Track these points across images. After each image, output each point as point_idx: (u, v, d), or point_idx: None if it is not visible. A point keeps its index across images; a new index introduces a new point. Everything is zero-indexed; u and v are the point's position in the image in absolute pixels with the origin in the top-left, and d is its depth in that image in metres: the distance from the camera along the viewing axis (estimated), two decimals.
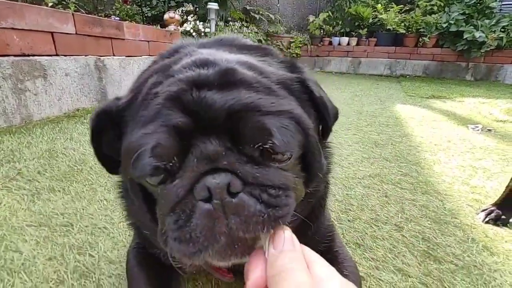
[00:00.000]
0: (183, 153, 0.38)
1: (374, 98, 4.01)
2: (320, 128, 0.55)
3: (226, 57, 0.47)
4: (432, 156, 1.88)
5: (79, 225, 0.97)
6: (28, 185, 1.23)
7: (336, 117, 0.59)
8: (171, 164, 0.37)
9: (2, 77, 1.72)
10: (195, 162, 0.37)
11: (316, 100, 0.51)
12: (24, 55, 1.86)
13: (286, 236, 0.37)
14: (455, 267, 0.88)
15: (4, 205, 1.07)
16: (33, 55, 1.91)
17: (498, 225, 1.11)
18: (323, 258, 0.35)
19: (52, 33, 2.02)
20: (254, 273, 0.36)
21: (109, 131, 0.51)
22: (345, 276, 0.61)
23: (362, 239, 1.00)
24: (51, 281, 0.74)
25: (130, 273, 0.68)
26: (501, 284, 0.82)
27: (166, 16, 4.95)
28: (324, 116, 0.52)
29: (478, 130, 2.60)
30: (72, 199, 1.14)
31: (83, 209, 1.07)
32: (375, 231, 1.05)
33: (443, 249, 0.96)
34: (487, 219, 1.14)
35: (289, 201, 0.40)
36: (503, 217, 1.13)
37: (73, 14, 2.16)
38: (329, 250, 0.70)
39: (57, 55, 2.08)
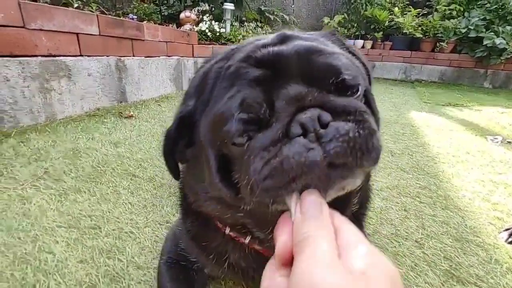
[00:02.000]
0: (270, 101, 0.40)
1: (389, 103, 3.96)
2: None
3: (274, 35, 0.51)
4: (451, 169, 1.85)
5: (107, 228, 1.01)
6: (55, 185, 1.27)
7: (371, 73, 0.61)
8: (262, 112, 0.40)
9: (30, 77, 1.78)
10: (284, 105, 0.39)
11: (352, 51, 0.55)
12: (51, 55, 1.92)
13: (314, 200, 0.36)
14: None
15: (34, 204, 1.12)
16: (59, 56, 1.97)
17: None
18: (353, 224, 0.35)
19: (77, 34, 2.08)
20: (281, 238, 0.35)
21: (182, 140, 0.53)
22: None
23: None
24: (83, 284, 0.77)
25: (163, 286, 0.70)
26: None
27: (182, 15, 4.99)
28: (366, 67, 0.56)
29: (497, 142, 2.54)
30: (97, 201, 1.17)
31: (109, 212, 1.11)
32: (395, 247, 1.05)
33: (466, 270, 0.95)
34: (510, 239, 1.12)
35: (371, 119, 0.40)
36: None
37: (97, 16, 2.21)
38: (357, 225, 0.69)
39: (81, 55, 2.14)
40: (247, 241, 0.58)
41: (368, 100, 0.48)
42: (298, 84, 0.40)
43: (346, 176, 0.38)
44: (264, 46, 0.45)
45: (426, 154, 2.12)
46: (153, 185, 1.35)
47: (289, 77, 0.41)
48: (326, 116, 0.38)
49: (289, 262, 0.33)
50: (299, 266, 0.30)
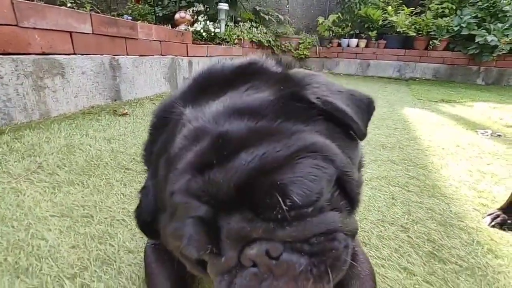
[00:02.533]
0: (215, 239, 0.39)
1: (383, 101, 4.01)
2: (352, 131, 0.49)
3: (213, 116, 0.45)
4: (440, 160, 1.89)
5: (99, 217, 1.03)
6: (49, 178, 1.29)
7: (369, 110, 0.53)
8: (209, 251, 0.39)
9: (24, 75, 1.80)
10: (229, 244, 0.38)
11: (326, 108, 0.45)
12: (44, 53, 1.93)
13: None
14: (459, 268, 0.90)
15: (28, 196, 1.14)
16: (53, 54, 1.99)
17: (504, 229, 1.13)
18: None
19: (70, 32, 2.10)
20: None
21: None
22: (365, 275, 0.62)
23: (368, 239, 1.03)
24: (75, 267, 0.79)
25: (148, 269, 0.73)
26: (504, 285, 0.84)
27: (177, 16, 5.02)
28: (344, 120, 0.46)
29: (487, 135, 2.59)
30: (91, 192, 1.20)
31: (101, 202, 1.13)
32: (381, 231, 1.08)
33: (448, 251, 0.98)
34: (493, 223, 1.16)
35: (334, 244, 0.39)
36: (509, 221, 1.14)
37: (90, 15, 2.23)
38: None
39: (74, 54, 2.16)
40: None
41: (341, 183, 0.43)
42: (241, 217, 0.37)
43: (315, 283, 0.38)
44: (201, 168, 0.40)
45: (416, 147, 2.16)
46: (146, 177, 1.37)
47: (231, 210, 0.38)
48: (276, 249, 0.37)
49: None
50: None
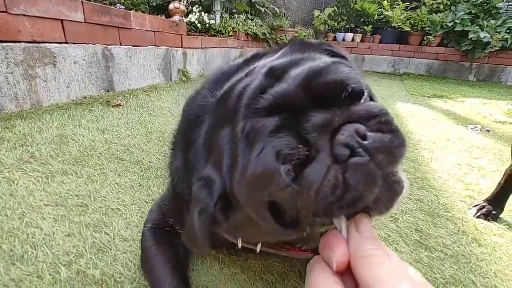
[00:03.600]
0: (302, 140, 0.38)
1: (376, 95, 4.04)
2: None
3: (251, 72, 0.50)
4: (430, 154, 1.93)
5: (93, 206, 1.03)
6: (42, 168, 1.28)
7: None
8: (301, 154, 0.37)
9: (14, 63, 1.76)
10: (317, 136, 0.38)
11: (328, 49, 0.55)
12: (35, 41, 1.89)
13: (369, 224, 0.39)
14: (445, 255, 0.94)
15: (21, 185, 1.13)
16: (44, 42, 1.94)
17: (488, 220, 1.17)
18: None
19: (62, 20, 2.05)
20: (339, 249, 0.36)
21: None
22: None
23: None
24: (71, 254, 0.80)
25: (147, 252, 0.74)
26: (486, 272, 0.88)
27: (171, 6, 4.93)
28: (344, 58, 0.56)
29: (477, 130, 2.66)
30: (85, 182, 1.20)
31: (96, 192, 1.13)
32: (371, 221, 1.11)
33: (435, 240, 1.02)
34: (478, 214, 1.20)
35: (393, 122, 0.42)
36: (493, 212, 1.19)
37: (82, 2, 2.18)
38: None
39: (66, 42, 2.11)
40: (258, 249, 0.60)
41: (371, 97, 0.48)
42: (317, 112, 0.39)
43: (399, 192, 0.39)
44: (262, 90, 0.42)
45: (408, 141, 2.20)
46: (140, 167, 1.38)
47: (305, 110, 0.39)
48: (361, 128, 0.38)
49: (344, 272, 0.36)
50: (374, 277, 0.33)
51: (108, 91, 2.59)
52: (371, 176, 0.36)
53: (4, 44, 1.70)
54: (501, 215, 1.19)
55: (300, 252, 0.60)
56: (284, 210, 0.41)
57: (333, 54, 0.55)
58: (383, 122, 0.39)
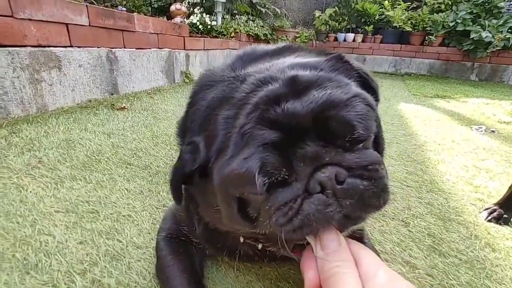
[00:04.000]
0: (288, 163, 0.41)
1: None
2: None
3: (278, 68, 0.51)
4: (436, 156, 1.93)
5: (105, 213, 1.03)
6: (50, 173, 1.28)
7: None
8: (281, 176, 0.41)
9: (20, 68, 1.76)
10: (302, 166, 0.41)
11: (361, 73, 0.55)
12: (40, 46, 1.89)
13: (332, 237, 0.41)
14: (459, 261, 0.93)
15: (30, 191, 1.13)
16: (49, 46, 1.95)
17: (500, 224, 1.17)
18: (367, 248, 0.40)
19: (67, 24, 2.05)
20: (309, 274, 0.40)
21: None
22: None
23: (371, 233, 1.05)
24: (85, 263, 0.80)
25: (163, 261, 0.73)
26: (502, 278, 0.87)
27: (172, 8, 4.93)
28: (371, 85, 0.56)
29: (481, 131, 2.65)
30: (94, 188, 1.19)
31: (106, 198, 1.13)
32: (382, 225, 1.10)
33: (448, 244, 1.01)
34: (489, 217, 1.19)
35: (383, 172, 0.45)
36: (505, 216, 1.18)
37: (87, 6, 2.18)
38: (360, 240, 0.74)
39: (71, 46, 2.11)
40: (260, 246, 0.63)
41: (377, 136, 0.51)
42: (314, 143, 0.42)
43: (358, 223, 0.44)
44: (277, 99, 0.44)
45: (413, 142, 2.19)
46: (149, 172, 1.37)
47: (305, 137, 0.42)
48: (343, 174, 0.41)
49: None
50: None
51: (112, 94, 2.58)
52: (322, 213, 0.41)
53: (10, 48, 1.71)
54: None
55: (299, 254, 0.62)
56: (249, 206, 0.47)
57: (364, 82, 0.55)
58: (368, 170, 0.42)
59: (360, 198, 0.41)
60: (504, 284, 0.85)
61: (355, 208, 0.42)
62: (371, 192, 0.42)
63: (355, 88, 0.48)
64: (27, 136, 1.59)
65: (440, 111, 3.39)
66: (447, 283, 0.83)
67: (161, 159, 1.54)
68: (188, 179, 0.53)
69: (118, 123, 2.02)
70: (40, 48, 1.89)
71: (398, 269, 0.88)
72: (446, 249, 0.98)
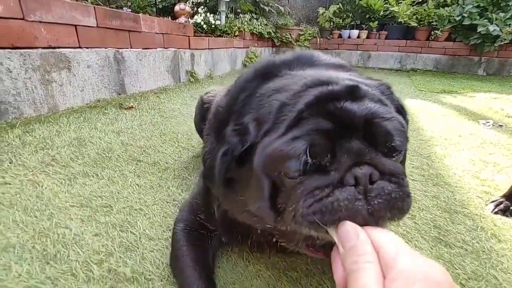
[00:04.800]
0: (333, 151, 0.46)
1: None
2: None
3: (337, 76, 0.58)
4: (443, 150, 1.92)
5: (117, 207, 1.07)
6: (64, 170, 1.32)
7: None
8: (324, 160, 0.46)
9: (31, 69, 1.81)
10: (344, 158, 0.46)
11: (399, 106, 0.62)
12: (50, 47, 1.94)
13: (349, 229, 0.41)
14: (465, 251, 0.94)
15: (45, 188, 1.17)
16: (59, 47, 1.99)
17: (506, 216, 1.17)
18: (388, 232, 0.40)
19: (75, 26, 2.09)
20: (337, 273, 0.40)
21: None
22: None
23: None
24: (101, 253, 0.83)
25: (178, 252, 0.77)
26: (507, 267, 0.88)
27: (176, 8, 4.97)
28: (404, 115, 0.62)
29: (489, 125, 2.62)
30: (106, 184, 1.23)
31: (118, 193, 1.16)
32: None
33: (453, 236, 1.02)
34: (496, 209, 1.20)
35: (407, 182, 0.50)
36: (511, 208, 1.19)
37: (94, 7, 2.23)
38: None
39: (80, 47, 2.16)
40: (274, 240, 0.66)
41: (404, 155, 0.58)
42: (359, 142, 0.47)
43: (380, 223, 0.46)
44: (336, 97, 0.49)
45: (420, 138, 2.19)
46: (158, 168, 1.41)
47: (353, 134, 0.47)
48: (376, 175, 0.46)
49: None
50: None
51: (120, 94, 2.63)
52: (351, 204, 0.44)
53: (22, 50, 1.76)
54: None
55: (314, 251, 0.64)
56: (279, 195, 0.51)
57: (398, 109, 0.61)
58: (397, 177, 0.48)
59: (387, 199, 0.45)
60: (510, 273, 0.86)
61: (381, 208, 0.44)
62: (397, 195, 0.46)
63: (395, 112, 0.54)
64: (40, 135, 1.64)
65: (446, 106, 3.36)
66: (452, 272, 0.85)
67: (169, 156, 1.57)
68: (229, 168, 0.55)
69: (127, 122, 2.07)
70: (51, 50, 1.94)
71: None
72: (452, 240, 0.99)
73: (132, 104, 2.45)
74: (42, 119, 1.86)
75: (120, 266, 0.79)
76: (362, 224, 0.43)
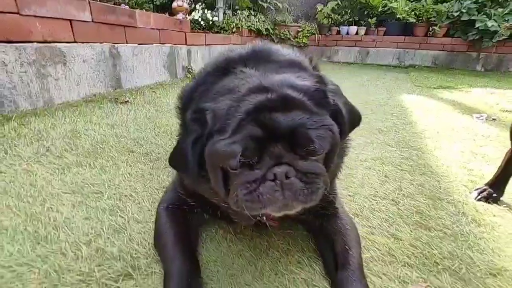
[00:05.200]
0: (261, 154, 0.60)
1: (381, 88, 4.03)
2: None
3: (280, 80, 0.67)
4: (434, 143, 1.95)
5: (108, 193, 1.10)
6: (58, 160, 1.35)
7: (358, 123, 0.76)
8: (253, 161, 0.60)
9: (27, 63, 1.84)
10: (268, 160, 0.60)
11: (337, 110, 0.69)
12: (46, 41, 1.96)
13: None
14: (444, 234, 0.97)
15: (39, 176, 1.20)
16: (54, 42, 2.02)
17: (489, 202, 1.20)
18: None
19: (70, 20, 2.12)
20: None
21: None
22: (346, 229, 0.73)
23: (361, 211, 1.10)
24: (90, 235, 0.86)
25: (161, 229, 0.80)
26: (483, 249, 0.91)
27: (174, 4, 4.98)
28: (341, 123, 0.69)
29: (482, 119, 2.64)
30: (98, 172, 1.26)
31: (109, 181, 1.20)
32: (373, 204, 1.15)
33: (434, 221, 1.05)
34: (479, 197, 1.23)
35: (320, 183, 0.63)
36: (494, 195, 1.21)
37: (89, 2, 2.25)
38: (331, 204, 0.85)
39: (75, 42, 2.19)
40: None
41: (329, 154, 0.67)
42: (283, 147, 0.60)
43: (291, 210, 0.63)
44: (270, 108, 0.60)
45: (412, 131, 2.21)
46: (150, 159, 1.44)
47: (277, 140, 0.60)
48: (292, 173, 0.60)
49: None
50: None
51: (115, 88, 2.66)
52: (271, 195, 0.59)
53: (17, 44, 1.78)
54: (502, 198, 1.21)
55: (273, 221, 0.80)
56: (227, 178, 0.64)
57: (334, 113, 0.69)
58: (307, 177, 0.61)
59: (295, 192, 0.60)
60: (485, 254, 0.89)
61: (290, 198, 0.60)
62: (302, 192, 0.60)
63: (326, 119, 0.64)
64: (35, 128, 1.67)
65: (442, 101, 3.38)
66: (428, 252, 0.87)
67: (162, 147, 1.60)
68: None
69: (122, 115, 2.10)
70: (46, 44, 1.96)
71: (383, 241, 0.92)
72: (432, 225, 1.02)
73: (127, 98, 2.48)
74: (38, 112, 1.89)
75: (108, 246, 0.82)
76: (280, 208, 0.61)
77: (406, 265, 0.82)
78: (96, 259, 0.78)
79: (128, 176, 1.25)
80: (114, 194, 1.10)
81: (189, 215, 0.84)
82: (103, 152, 1.47)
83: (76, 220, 0.93)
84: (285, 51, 0.86)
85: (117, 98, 2.44)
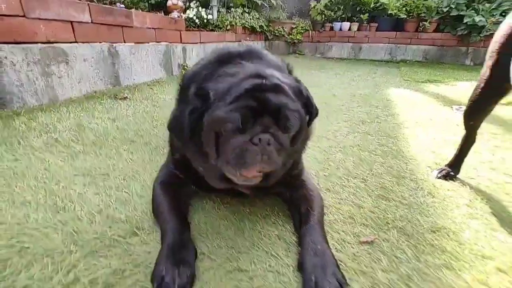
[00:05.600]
0: (252, 122, 0.76)
1: (371, 82, 4.20)
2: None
3: (271, 73, 0.84)
4: (411, 132, 2.12)
5: (114, 175, 1.26)
6: (66, 150, 1.51)
7: (316, 114, 0.94)
8: (245, 127, 0.75)
9: (33, 62, 1.99)
10: (257, 127, 0.75)
11: (308, 103, 0.89)
12: (49, 42, 2.11)
13: None
14: (400, 204, 1.15)
15: (52, 163, 1.36)
16: (57, 42, 2.17)
17: (446, 180, 1.37)
18: None
19: (71, 22, 2.26)
20: None
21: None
22: (310, 195, 0.90)
23: (333, 187, 1.27)
24: (100, 205, 1.03)
25: (157, 200, 0.97)
26: (431, 213, 1.09)
27: (169, 3, 5.09)
28: (311, 112, 0.91)
29: (461, 110, 2.81)
30: (104, 159, 1.42)
31: (114, 165, 1.36)
32: (344, 182, 1.32)
33: (395, 193, 1.23)
34: (439, 175, 1.40)
35: (282, 153, 0.79)
36: (451, 173, 1.39)
37: (88, 4, 2.39)
38: (297, 177, 1.02)
39: (76, 42, 2.33)
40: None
41: (296, 135, 0.84)
42: (270, 119, 0.76)
43: (269, 165, 0.77)
44: (264, 89, 0.77)
45: (393, 121, 2.38)
46: (149, 147, 1.60)
47: (266, 114, 0.76)
48: (272, 141, 0.75)
49: None
50: None
51: (114, 85, 2.81)
52: (254, 155, 0.74)
53: (24, 45, 1.93)
54: (458, 176, 1.39)
55: (246, 189, 0.95)
56: (219, 143, 0.78)
57: (306, 104, 0.88)
58: (279, 146, 0.77)
59: (270, 156, 0.75)
60: (432, 217, 1.06)
61: (266, 160, 0.75)
62: (274, 156, 0.76)
63: (300, 107, 0.83)
64: (43, 122, 1.83)
65: (427, 94, 3.54)
66: (383, 216, 1.05)
67: (160, 137, 1.76)
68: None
69: (121, 110, 2.25)
70: (49, 44, 2.11)
71: (348, 209, 1.10)
72: (392, 196, 1.20)
73: (126, 95, 2.63)
74: (44, 108, 2.04)
75: (116, 214, 0.99)
76: (260, 164, 0.76)
77: (363, 225, 0.99)
78: (107, 223, 0.94)
79: (131, 161, 1.41)
80: (119, 175, 1.26)
81: (179, 188, 1.01)
82: (107, 142, 1.63)
83: (88, 195, 1.09)
84: (273, 56, 1.05)
85: (117, 95, 2.60)
